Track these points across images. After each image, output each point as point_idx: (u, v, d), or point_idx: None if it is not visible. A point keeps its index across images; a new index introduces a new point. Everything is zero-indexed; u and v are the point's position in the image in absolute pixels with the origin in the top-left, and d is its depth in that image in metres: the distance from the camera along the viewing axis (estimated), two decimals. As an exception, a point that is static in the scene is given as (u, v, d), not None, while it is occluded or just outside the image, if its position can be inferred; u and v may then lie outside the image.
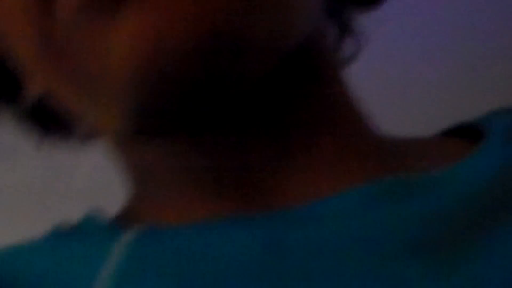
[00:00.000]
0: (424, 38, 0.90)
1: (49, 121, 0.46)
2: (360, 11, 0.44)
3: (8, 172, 0.73)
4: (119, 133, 0.36)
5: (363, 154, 0.37)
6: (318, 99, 0.37)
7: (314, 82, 0.37)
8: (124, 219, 0.40)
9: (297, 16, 0.34)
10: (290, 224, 0.34)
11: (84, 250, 0.37)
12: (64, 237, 0.39)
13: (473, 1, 0.93)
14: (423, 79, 0.89)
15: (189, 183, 0.37)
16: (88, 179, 0.71)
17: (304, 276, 0.32)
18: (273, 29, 0.32)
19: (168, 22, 0.30)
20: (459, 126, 0.42)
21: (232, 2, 0.30)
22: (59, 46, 0.33)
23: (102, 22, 0.31)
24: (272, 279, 0.33)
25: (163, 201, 0.38)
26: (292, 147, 0.36)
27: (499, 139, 0.37)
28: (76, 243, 0.38)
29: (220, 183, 0.37)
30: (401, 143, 0.39)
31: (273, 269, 0.33)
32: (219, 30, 0.30)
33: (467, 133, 0.40)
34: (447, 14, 0.92)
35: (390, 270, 0.32)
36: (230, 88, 0.33)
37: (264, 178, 0.36)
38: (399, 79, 0.87)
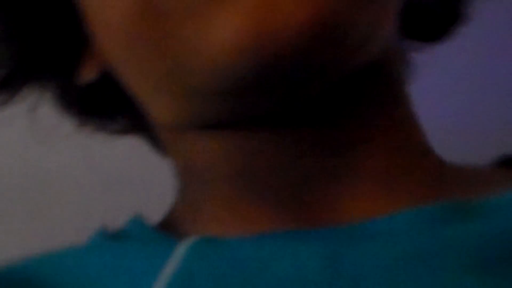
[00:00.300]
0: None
1: (94, 104, 0.45)
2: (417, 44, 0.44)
3: (46, 156, 0.72)
4: (185, 122, 0.34)
5: (422, 176, 0.36)
6: (382, 115, 0.36)
7: (381, 96, 0.36)
8: (172, 226, 0.39)
9: (384, 26, 0.33)
10: (350, 240, 0.33)
11: (136, 258, 0.36)
12: (112, 242, 0.38)
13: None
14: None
15: (243, 191, 0.36)
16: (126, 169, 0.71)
17: None
18: (369, 30, 0.32)
19: (278, 6, 0.29)
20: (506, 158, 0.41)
21: None
22: (154, 17, 0.31)
23: (207, 3, 0.30)
24: None
25: (214, 208, 0.37)
26: (352, 164, 0.35)
27: None
28: (126, 250, 0.37)
29: (277, 195, 0.35)
30: (456, 169, 0.38)
31: (334, 284, 0.32)
32: (328, 19, 0.29)
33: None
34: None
35: (447, 285, 0.31)
36: (322, 78, 0.32)
37: (322, 193, 0.35)
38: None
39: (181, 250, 0.34)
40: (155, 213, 0.41)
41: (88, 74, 0.40)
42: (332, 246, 0.33)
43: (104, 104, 0.44)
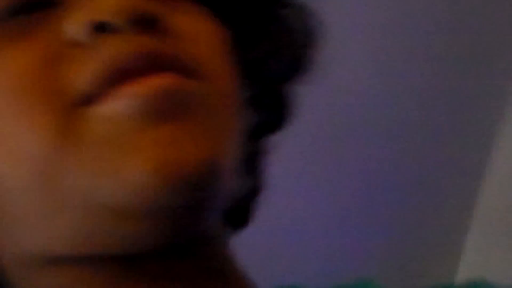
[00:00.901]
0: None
1: None
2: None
3: None
4: (71, 251, 0.39)
5: None
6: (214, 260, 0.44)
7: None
8: None
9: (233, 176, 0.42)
10: None
11: None
12: None
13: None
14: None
15: None
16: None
17: None
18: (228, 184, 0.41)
19: (180, 148, 0.38)
20: None
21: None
22: (71, 146, 0.38)
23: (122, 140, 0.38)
24: None
25: None
26: None
27: None
28: None
29: None
30: None
31: None
32: (214, 158, 0.39)
33: None
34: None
35: None
36: (206, 208, 0.40)
37: None
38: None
39: None
40: None
41: None
42: None
43: None
